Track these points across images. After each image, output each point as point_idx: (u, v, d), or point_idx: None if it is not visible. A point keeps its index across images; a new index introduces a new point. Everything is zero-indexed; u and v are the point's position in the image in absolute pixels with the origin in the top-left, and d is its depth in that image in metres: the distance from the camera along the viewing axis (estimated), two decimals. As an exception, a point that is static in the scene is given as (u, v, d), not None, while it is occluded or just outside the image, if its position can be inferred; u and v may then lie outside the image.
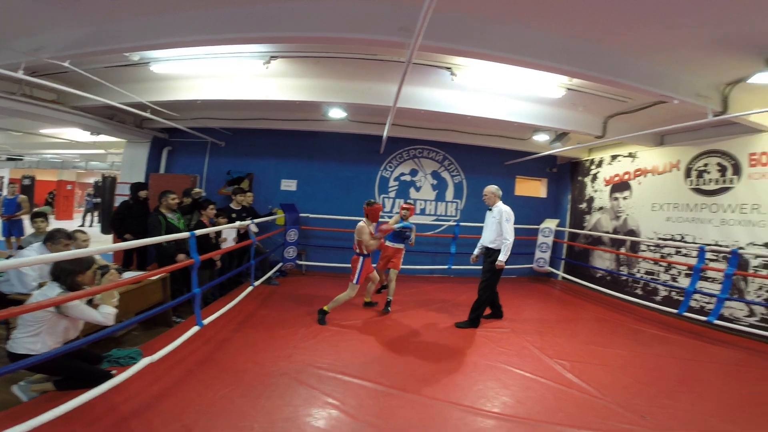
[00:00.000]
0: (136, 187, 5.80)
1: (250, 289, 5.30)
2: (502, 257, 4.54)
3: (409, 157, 7.94)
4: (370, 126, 6.74)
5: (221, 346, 3.81)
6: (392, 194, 7.90)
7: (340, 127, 6.89)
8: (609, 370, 3.71)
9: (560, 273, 7.87)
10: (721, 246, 5.15)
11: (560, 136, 6.41)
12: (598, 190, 7.37)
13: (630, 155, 6.70)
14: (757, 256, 4.84)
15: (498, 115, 5.35)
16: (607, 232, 7.02)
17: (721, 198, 5.31)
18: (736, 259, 4.81)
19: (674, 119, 4.91)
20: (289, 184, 7.59)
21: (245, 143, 7.48)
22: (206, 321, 3.90)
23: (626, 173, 6.74)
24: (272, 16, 3.33)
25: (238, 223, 5.02)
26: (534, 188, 8.72)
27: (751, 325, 4.74)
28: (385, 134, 6.18)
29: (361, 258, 4.62)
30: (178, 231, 4.81)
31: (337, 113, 6.00)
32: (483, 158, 7.96)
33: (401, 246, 5.39)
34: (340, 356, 3.74)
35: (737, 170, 5.16)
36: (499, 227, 4.63)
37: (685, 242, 5.65)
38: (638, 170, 6.52)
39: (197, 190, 5.90)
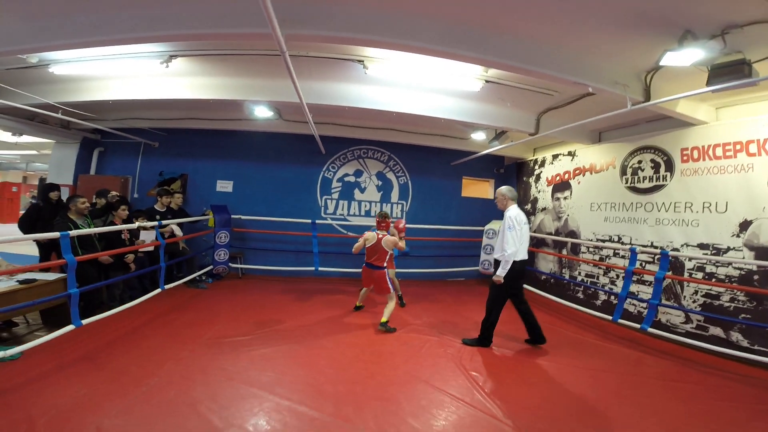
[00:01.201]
0: (46, 189, 5.49)
1: (157, 291, 5.03)
2: (500, 272, 4.03)
3: (353, 158, 7.72)
4: (308, 126, 6.50)
5: (107, 347, 3.68)
6: (335, 196, 7.67)
7: (277, 127, 6.66)
8: (524, 387, 3.40)
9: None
10: (656, 247, 4.94)
11: (499, 134, 6.24)
12: (541, 191, 7.19)
13: (570, 154, 6.53)
14: (691, 258, 4.62)
15: (425, 111, 5.14)
16: (550, 234, 6.82)
17: (655, 196, 5.13)
18: (667, 262, 4.62)
19: (604, 113, 4.66)
20: (224, 186, 7.32)
21: (180, 144, 7.22)
22: (86, 321, 3.79)
23: (566, 172, 6.57)
24: (154, 17, 3.20)
25: (137, 223, 4.75)
26: (482, 189, 8.54)
27: (687, 333, 4.51)
28: (315, 133, 5.97)
29: (386, 271, 4.73)
30: (91, 238, 4.62)
31: (263, 112, 5.76)
32: (428, 159, 7.78)
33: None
34: (239, 362, 3.52)
35: (670, 167, 4.99)
36: (503, 236, 4.09)
37: (623, 243, 5.46)
38: (577, 169, 6.34)
39: (113, 193, 5.62)
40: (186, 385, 3.04)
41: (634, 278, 5.13)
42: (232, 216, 6.81)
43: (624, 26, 3.16)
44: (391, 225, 5.08)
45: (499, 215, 7.87)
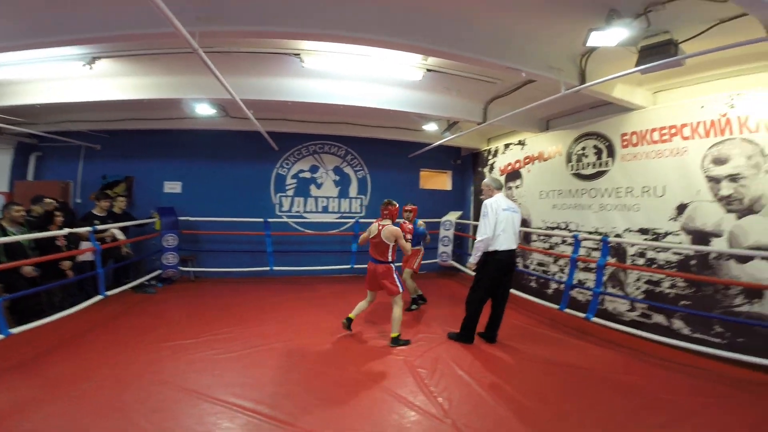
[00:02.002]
0: None
1: (98, 298, 4.80)
2: (471, 259, 4.05)
3: (308, 153, 7.60)
4: (259, 123, 6.34)
5: (43, 354, 3.60)
6: (290, 192, 7.54)
7: (225, 125, 6.47)
8: (469, 383, 3.30)
9: (465, 268, 7.66)
10: (600, 233, 4.98)
11: (451, 125, 6.25)
12: (495, 180, 7.26)
13: (520, 143, 6.60)
14: (633, 245, 4.66)
15: (368, 103, 5.06)
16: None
17: (599, 182, 5.21)
18: (607, 248, 4.64)
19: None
20: (173, 186, 7.05)
21: (123, 145, 6.88)
22: (16, 330, 3.58)
23: (517, 161, 6.65)
24: (63, 20, 3.04)
25: (66, 230, 4.50)
26: (440, 181, 8.58)
27: (633, 321, 4.53)
28: (260, 129, 5.82)
29: (392, 266, 4.16)
30: (21, 247, 4.35)
31: (205, 110, 5.55)
32: (386, 152, 7.73)
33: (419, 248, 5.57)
34: (177, 366, 3.44)
35: (611, 152, 5.07)
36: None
37: (570, 230, 5.52)
38: (527, 157, 6.43)
39: (48, 200, 5.30)
40: (119, 390, 2.98)
41: (582, 266, 5.19)
42: (181, 218, 6.57)
43: (553, 7, 3.11)
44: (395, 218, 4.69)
45: (456, 207, 8.03)
